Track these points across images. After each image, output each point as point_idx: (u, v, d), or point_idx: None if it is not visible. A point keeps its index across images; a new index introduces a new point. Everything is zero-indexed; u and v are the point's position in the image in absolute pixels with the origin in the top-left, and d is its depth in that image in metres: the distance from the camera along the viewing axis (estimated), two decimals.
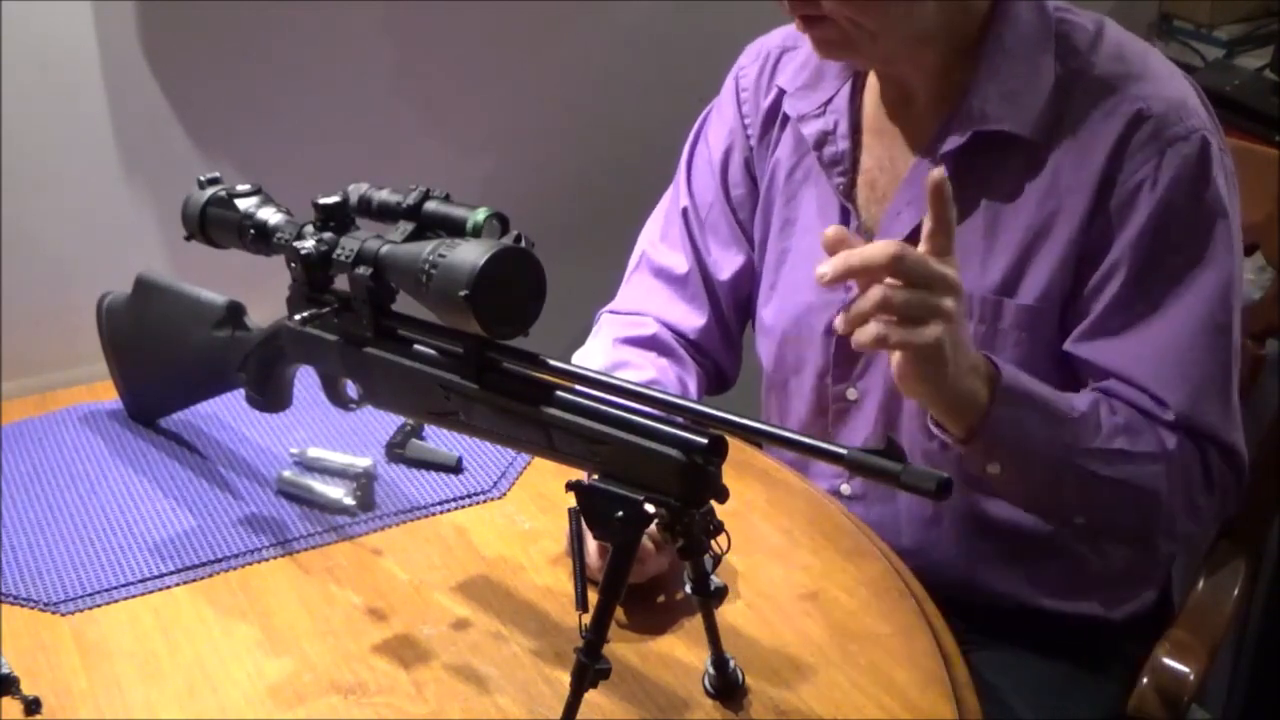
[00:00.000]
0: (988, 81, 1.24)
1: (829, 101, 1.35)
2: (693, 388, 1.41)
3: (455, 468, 1.38)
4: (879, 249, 1.05)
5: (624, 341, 1.42)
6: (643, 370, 1.38)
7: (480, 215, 1.03)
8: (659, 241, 1.48)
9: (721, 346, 1.48)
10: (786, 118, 1.39)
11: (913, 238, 1.26)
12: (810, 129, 1.35)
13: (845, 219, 1.34)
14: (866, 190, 1.34)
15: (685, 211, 1.47)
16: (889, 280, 1.06)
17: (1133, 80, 1.23)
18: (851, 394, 1.35)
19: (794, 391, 1.41)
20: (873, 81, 1.34)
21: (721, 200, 1.45)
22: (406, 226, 1.08)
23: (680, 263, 1.46)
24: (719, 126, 1.46)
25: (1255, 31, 2.26)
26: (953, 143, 1.25)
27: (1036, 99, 1.23)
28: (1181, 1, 2.29)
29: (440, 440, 1.41)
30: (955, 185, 1.23)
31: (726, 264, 1.45)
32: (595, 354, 1.41)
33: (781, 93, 1.39)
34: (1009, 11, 1.25)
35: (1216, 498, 1.24)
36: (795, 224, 1.39)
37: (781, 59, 1.41)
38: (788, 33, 1.42)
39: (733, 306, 1.47)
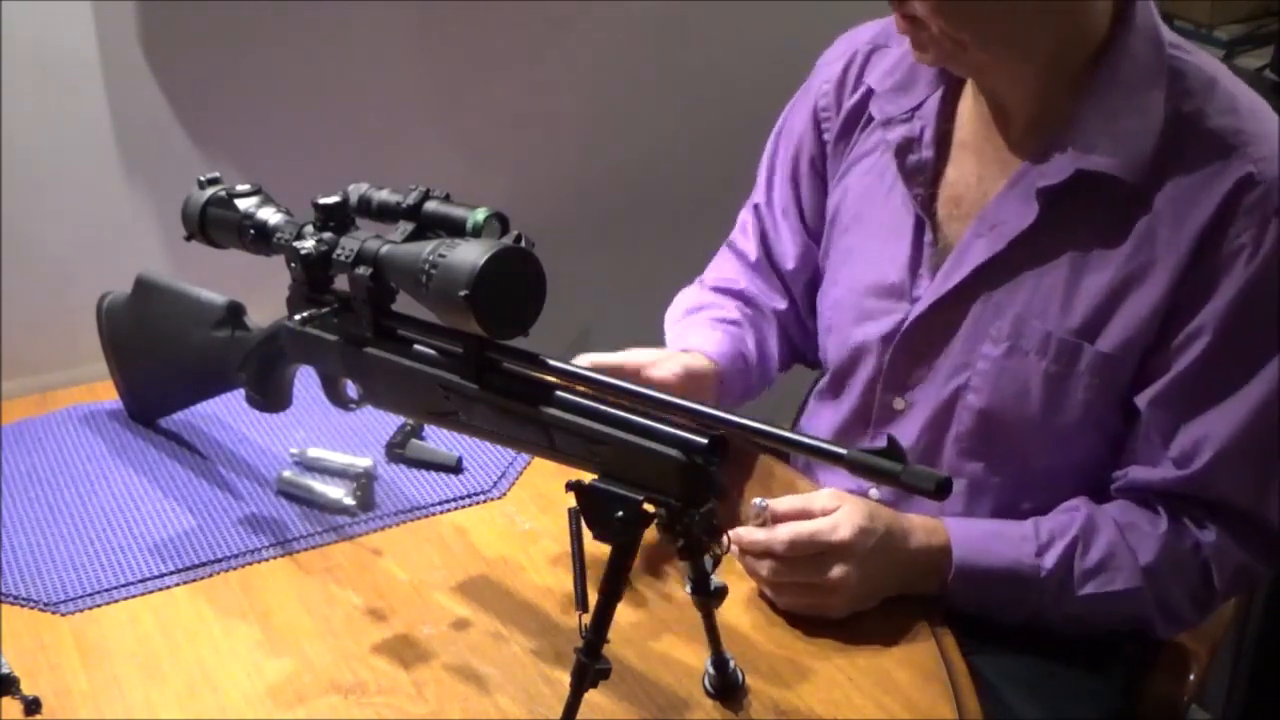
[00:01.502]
0: (1093, 114, 1.20)
1: (918, 108, 1.32)
2: (773, 342, 1.49)
3: (455, 468, 1.38)
4: (766, 542, 1.16)
5: (714, 289, 1.51)
6: (724, 310, 1.46)
7: (480, 215, 1.03)
8: (739, 229, 1.53)
9: (799, 331, 1.51)
10: (872, 117, 1.37)
11: (988, 265, 1.25)
12: (895, 134, 1.32)
13: (919, 230, 1.32)
14: (949, 205, 1.31)
15: (757, 208, 1.50)
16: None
17: (1246, 138, 1.18)
18: (899, 404, 1.34)
19: (843, 393, 1.41)
20: (970, 92, 1.31)
21: (793, 201, 1.47)
22: (406, 226, 1.08)
23: (751, 251, 1.50)
24: (796, 122, 1.46)
25: (1255, 31, 2.25)
26: (1052, 177, 1.21)
27: (1144, 141, 1.18)
28: (1181, 1, 2.29)
29: (440, 440, 1.41)
30: (1047, 220, 1.22)
31: (792, 256, 1.48)
32: (687, 295, 1.51)
33: (870, 91, 1.37)
34: (1125, 42, 1.20)
35: (1220, 587, 1.25)
36: (863, 224, 1.37)
37: (872, 56, 1.38)
38: (879, 29, 1.39)
39: (805, 298, 1.50)
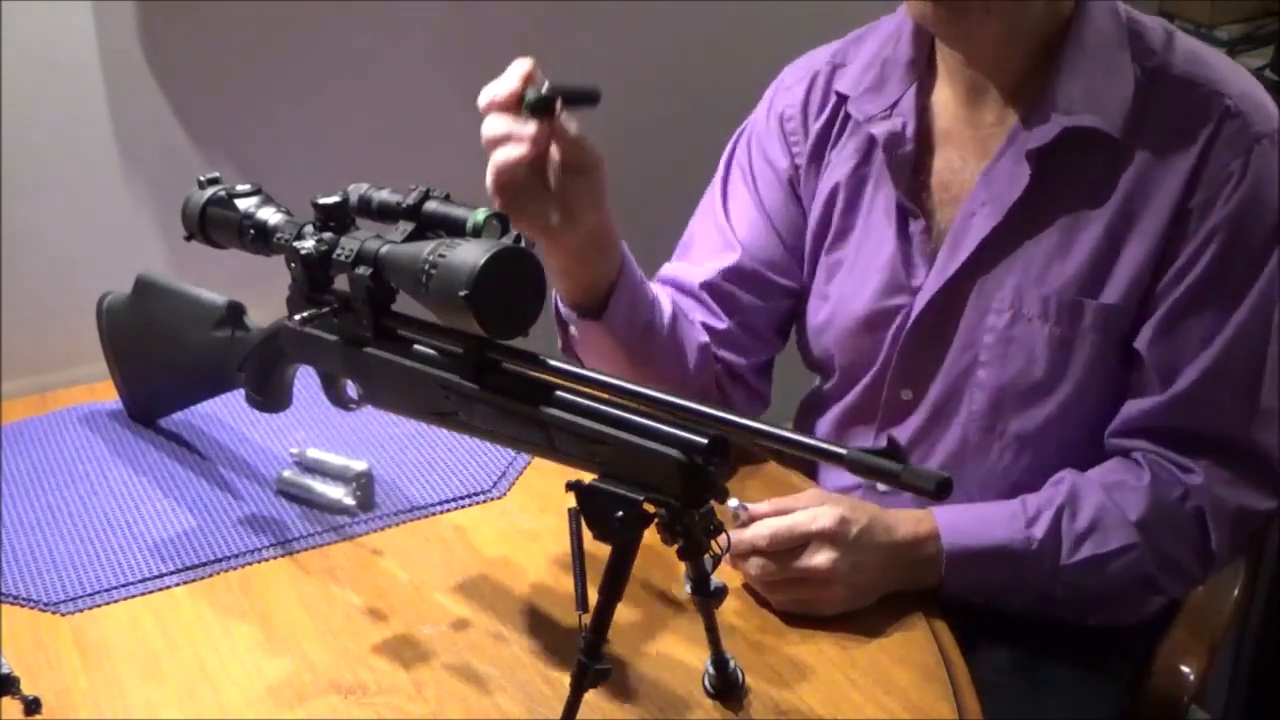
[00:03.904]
0: (1069, 79, 1.24)
1: (895, 104, 1.34)
2: (692, 345, 1.37)
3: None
4: (749, 538, 1.16)
5: (662, 280, 1.43)
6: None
7: (480, 215, 1.03)
8: (694, 241, 1.46)
9: (733, 347, 1.43)
10: (842, 131, 1.38)
11: (989, 239, 1.28)
12: (880, 129, 1.33)
13: (911, 223, 1.33)
14: (939, 193, 1.33)
15: (714, 216, 1.45)
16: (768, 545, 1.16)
17: (1215, 79, 1.24)
18: (906, 394, 1.35)
19: (840, 393, 1.41)
20: (942, 85, 1.33)
21: (758, 203, 1.43)
22: (406, 226, 1.08)
23: (701, 269, 1.42)
24: (760, 139, 1.43)
25: (1255, 31, 2.26)
26: (1039, 138, 1.24)
27: (1120, 97, 1.24)
28: (1181, 1, 2.29)
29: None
30: (1038, 184, 1.25)
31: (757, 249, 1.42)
32: None
33: (841, 102, 1.38)
34: (1088, 13, 1.25)
35: (1219, 534, 1.25)
36: (852, 233, 1.38)
37: (835, 74, 1.40)
38: (836, 49, 1.41)
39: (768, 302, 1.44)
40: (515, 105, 1.12)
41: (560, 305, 1.31)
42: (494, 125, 1.14)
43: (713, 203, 1.46)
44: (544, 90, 1.11)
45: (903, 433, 1.35)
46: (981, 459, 1.32)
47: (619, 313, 1.27)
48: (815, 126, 1.40)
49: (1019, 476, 1.30)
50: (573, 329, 1.31)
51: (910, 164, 1.33)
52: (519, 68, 1.13)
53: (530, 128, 1.12)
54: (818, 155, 1.40)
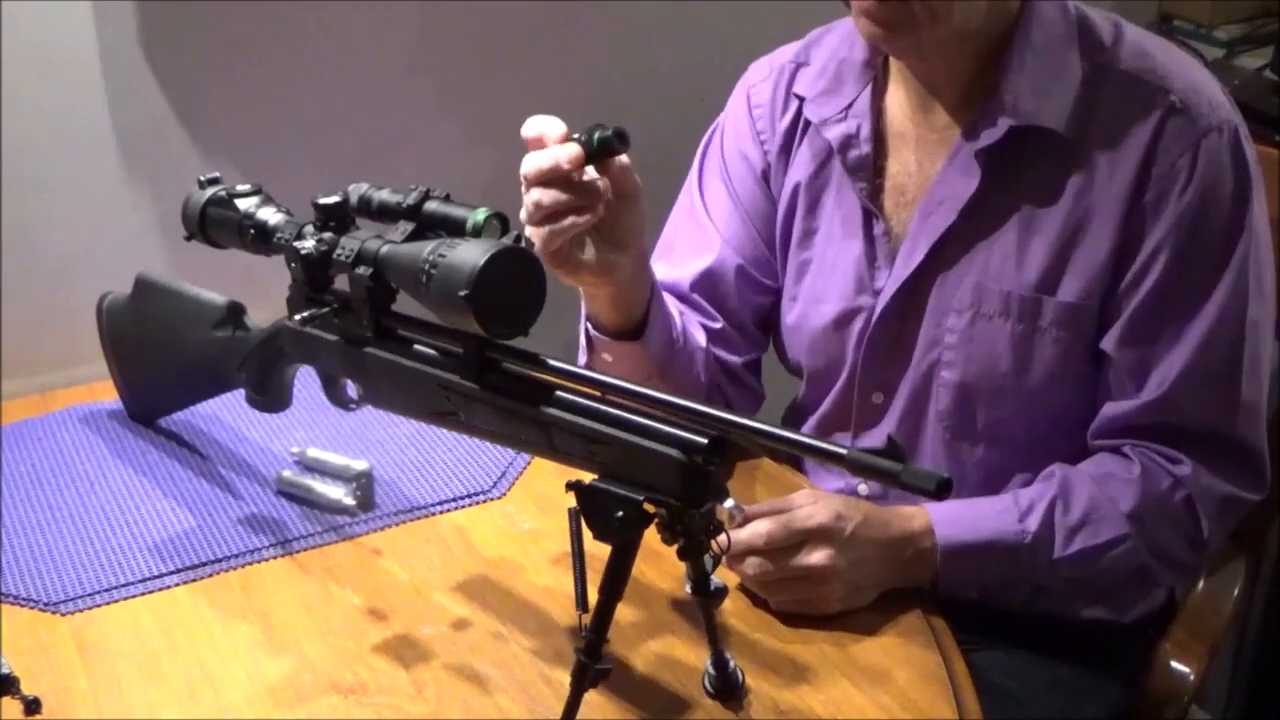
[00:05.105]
0: (1017, 79, 1.24)
1: (850, 106, 1.34)
2: (700, 337, 1.39)
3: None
4: (745, 538, 1.15)
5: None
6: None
7: (480, 215, 1.03)
8: (678, 241, 1.45)
9: (727, 345, 1.44)
10: (804, 132, 1.38)
11: (944, 239, 1.28)
12: (834, 133, 1.34)
13: (871, 225, 1.34)
14: (895, 196, 1.33)
15: (693, 215, 1.44)
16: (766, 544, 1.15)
17: (1160, 74, 1.24)
18: (877, 398, 1.36)
19: (816, 398, 1.42)
20: (895, 87, 1.34)
21: (731, 200, 1.43)
22: (406, 226, 1.08)
23: (688, 269, 1.42)
24: (734, 138, 1.44)
25: (1255, 31, 2.26)
26: (988, 138, 1.25)
27: (1067, 95, 1.24)
28: (1181, 1, 2.29)
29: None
30: (990, 183, 1.26)
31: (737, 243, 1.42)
32: None
33: (801, 102, 1.38)
34: (1035, 11, 1.26)
35: (1209, 522, 1.26)
36: (816, 234, 1.38)
37: (797, 72, 1.40)
38: (799, 48, 1.42)
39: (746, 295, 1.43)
40: (580, 164, 1.11)
41: (592, 331, 1.31)
42: (555, 195, 1.12)
43: (691, 201, 1.46)
44: (606, 131, 1.10)
45: (879, 437, 1.35)
46: (954, 458, 1.32)
47: (656, 331, 1.29)
48: (781, 125, 1.40)
49: (993, 474, 1.31)
50: (606, 354, 1.31)
51: (870, 165, 1.33)
52: (557, 128, 1.12)
53: (599, 184, 1.12)
54: (785, 151, 1.41)
